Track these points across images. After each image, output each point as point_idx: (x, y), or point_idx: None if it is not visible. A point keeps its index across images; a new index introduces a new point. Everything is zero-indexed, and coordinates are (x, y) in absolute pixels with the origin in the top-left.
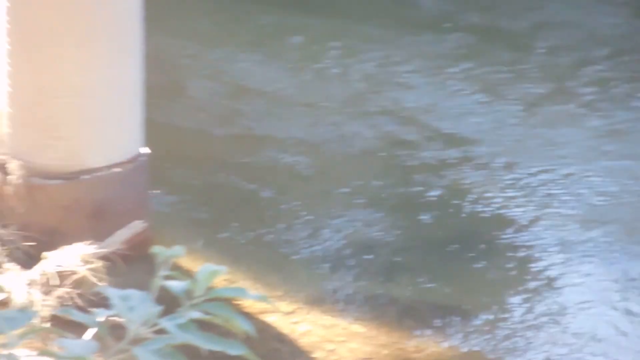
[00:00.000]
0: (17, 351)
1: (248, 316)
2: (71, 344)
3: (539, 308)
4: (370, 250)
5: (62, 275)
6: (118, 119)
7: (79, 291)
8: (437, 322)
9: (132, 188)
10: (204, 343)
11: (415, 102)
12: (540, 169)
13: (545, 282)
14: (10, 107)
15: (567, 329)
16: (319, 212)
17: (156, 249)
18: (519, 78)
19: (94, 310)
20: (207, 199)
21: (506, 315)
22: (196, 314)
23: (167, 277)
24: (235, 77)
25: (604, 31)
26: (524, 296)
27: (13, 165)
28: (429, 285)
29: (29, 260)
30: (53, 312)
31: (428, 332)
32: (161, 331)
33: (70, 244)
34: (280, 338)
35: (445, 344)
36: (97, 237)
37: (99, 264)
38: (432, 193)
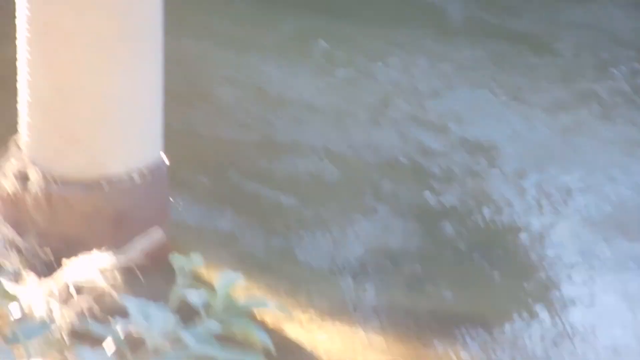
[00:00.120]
0: None
1: (267, 325)
2: (89, 354)
3: (561, 319)
4: (390, 260)
5: (81, 286)
6: (138, 126)
7: (97, 301)
8: (457, 332)
9: (151, 196)
10: (222, 354)
11: (440, 108)
12: (564, 176)
13: (566, 292)
14: (30, 115)
15: (589, 341)
16: (340, 220)
17: (175, 258)
18: (544, 83)
19: (112, 320)
20: (227, 206)
21: (527, 327)
22: (214, 325)
23: (186, 287)
24: (259, 83)
25: (627, 35)
26: (545, 307)
27: (32, 174)
28: (449, 295)
29: (47, 269)
30: (71, 323)
31: (448, 342)
32: (179, 342)
33: (90, 252)
34: (299, 348)
35: (466, 355)
36: (117, 245)
37: (118, 273)
38: (455, 201)
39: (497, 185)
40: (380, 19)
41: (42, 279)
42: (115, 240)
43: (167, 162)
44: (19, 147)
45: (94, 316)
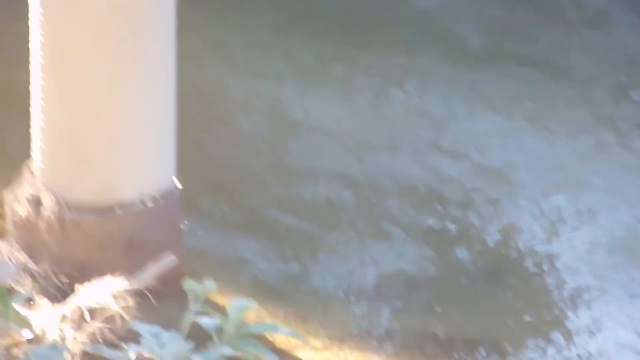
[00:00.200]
0: None
1: (280, 352)
2: None
3: (574, 345)
4: (404, 285)
5: (94, 311)
6: (151, 151)
7: (109, 326)
8: (472, 357)
9: (165, 222)
10: None
11: (458, 135)
12: (582, 201)
13: (580, 318)
14: (43, 140)
15: None
16: (355, 246)
17: (188, 284)
18: (563, 108)
19: (125, 345)
20: (242, 232)
21: (541, 352)
22: (227, 351)
23: (199, 312)
24: (276, 109)
25: None
26: (560, 333)
27: (45, 199)
28: (464, 320)
29: (60, 294)
30: (84, 348)
31: None
32: None
33: (103, 278)
34: None
35: None
36: (129, 270)
37: (131, 298)
38: (471, 227)
39: (514, 210)
40: (398, 46)
41: (55, 303)
42: (128, 265)
43: (179, 187)
44: (32, 172)
45: (106, 341)
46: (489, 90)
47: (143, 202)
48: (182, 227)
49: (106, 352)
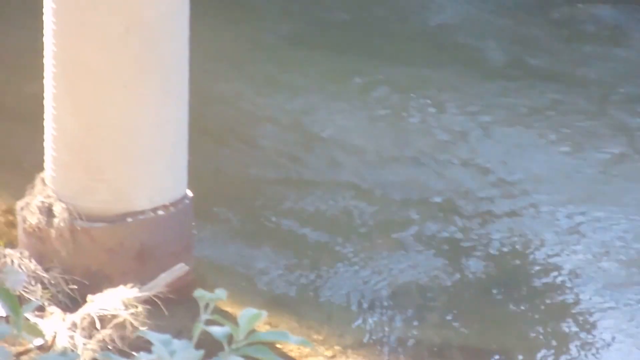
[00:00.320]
0: None
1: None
2: None
3: (589, 357)
4: (413, 294)
5: (104, 318)
6: (163, 161)
7: (120, 335)
8: None
9: (176, 231)
10: None
11: (479, 148)
12: (602, 216)
13: (596, 330)
14: (55, 150)
15: None
16: (369, 256)
17: (199, 293)
18: (593, 126)
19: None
20: (255, 241)
21: None
22: (237, 359)
23: (209, 321)
24: (295, 122)
25: None
26: (575, 344)
27: (57, 208)
28: (477, 331)
29: (71, 303)
30: (94, 356)
31: None
32: None
33: (114, 286)
34: None
35: None
36: (141, 279)
37: (141, 306)
38: (487, 239)
39: (532, 224)
40: (415, 59)
41: (66, 311)
42: (138, 273)
43: (191, 196)
44: (44, 182)
45: (117, 350)
46: (509, 103)
47: (155, 212)
48: (193, 236)
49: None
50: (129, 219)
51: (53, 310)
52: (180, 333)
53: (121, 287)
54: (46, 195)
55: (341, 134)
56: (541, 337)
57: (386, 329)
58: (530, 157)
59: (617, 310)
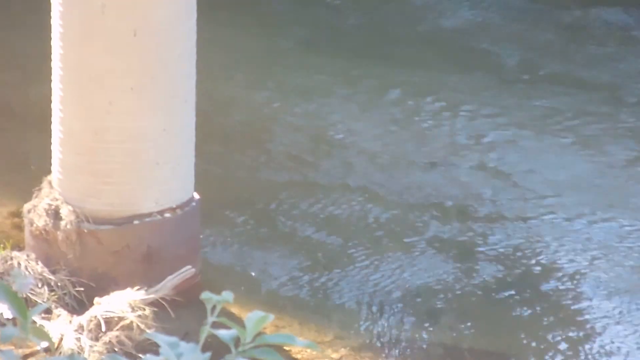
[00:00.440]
0: None
1: None
2: None
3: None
4: (422, 298)
5: (111, 321)
6: (170, 165)
7: (127, 337)
8: None
9: (182, 233)
10: None
11: (501, 155)
12: (618, 223)
13: (606, 339)
14: (62, 153)
15: None
16: (377, 260)
17: (206, 295)
18: (611, 131)
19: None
20: (264, 244)
21: None
22: None
23: (216, 324)
24: (319, 129)
25: None
26: (578, 348)
27: (64, 211)
28: (486, 334)
29: (77, 305)
30: (101, 358)
31: None
32: None
33: (120, 289)
34: None
35: None
36: (147, 282)
37: (148, 309)
38: (498, 244)
39: (546, 229)
40: (434, 64)
41: (73, 314)
42: (145, 276)
43: (198, 198)
44: (51, 184)
45: (123, 352)
46: (524, 107)
47: (161, 214)
48: (200, 239)
49: None
50: (136, 222)
51: (60, 312)
52: (187, 335)
53: (128, 289)
54: (53, 198)
55: (354, 137)
56: (551, 341)
57: (394, 331)
58: (547, 161)
59: (627, 315)
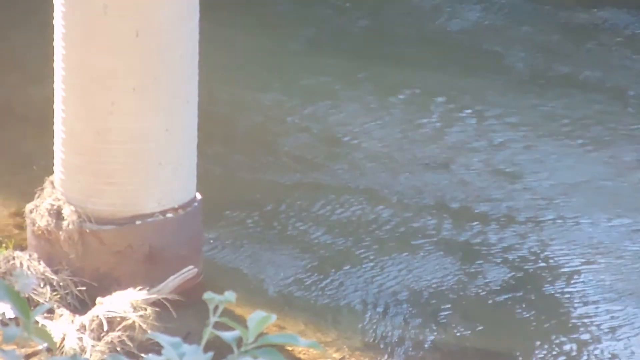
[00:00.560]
0: None
1: None
2: None
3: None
4: (426, 299)
5: (113, 321)
6: (172, 165)
7: (129, 337)
8: None
9: (185, 234)
10: None
11: (510, 158)
12: (625, 226)
13: (604, 339)
14: (64, 153)
15: None
16: (381, 261)
17: (208, 295)
18: (619, 132)
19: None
20: (267, 245)
21: None
22: None
23: (218, 324)
24: (329, 132)
25: None
26: (583, 351)
27: (66, 211)
28: (490, 336)
29: (80, 305)
30: (103, 358)
31: None
32: None
33: (122, 289)
34: None
35: None
36: (150, 282)
37: (150, 309)
38: (503, 245)
39: (554, 232)
40: (443, 66)
41: (75, 314)
42: (148, 276)
43: (200, 199)
44: (53, 185)
45: (126, 352)
46: (534, 108)
47: (163, 214)
48: (202, 239)
49: None
50: (138, 222)
51: (62, 312)
52: (189, 335)
53: (130, 289)
54: (55, 198)
55: (361, 138)
56: (555, 344)
57: (397, 332)
58: (555, 162)
59: (633, 318)
